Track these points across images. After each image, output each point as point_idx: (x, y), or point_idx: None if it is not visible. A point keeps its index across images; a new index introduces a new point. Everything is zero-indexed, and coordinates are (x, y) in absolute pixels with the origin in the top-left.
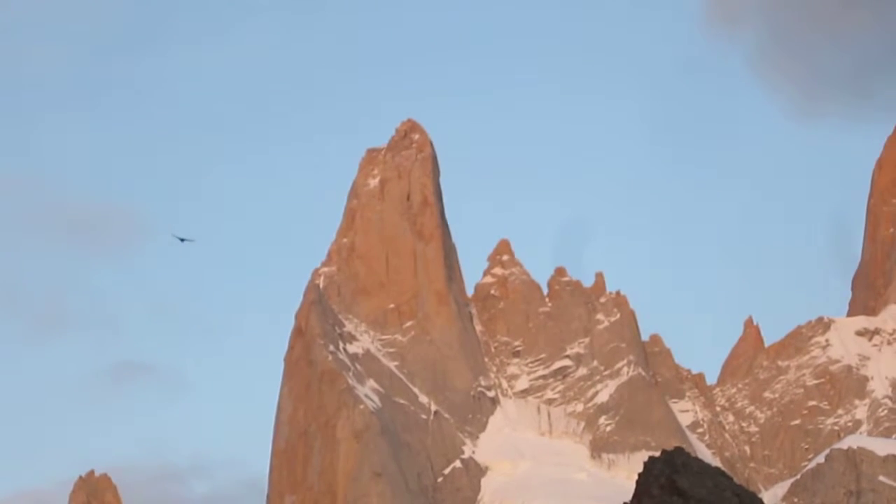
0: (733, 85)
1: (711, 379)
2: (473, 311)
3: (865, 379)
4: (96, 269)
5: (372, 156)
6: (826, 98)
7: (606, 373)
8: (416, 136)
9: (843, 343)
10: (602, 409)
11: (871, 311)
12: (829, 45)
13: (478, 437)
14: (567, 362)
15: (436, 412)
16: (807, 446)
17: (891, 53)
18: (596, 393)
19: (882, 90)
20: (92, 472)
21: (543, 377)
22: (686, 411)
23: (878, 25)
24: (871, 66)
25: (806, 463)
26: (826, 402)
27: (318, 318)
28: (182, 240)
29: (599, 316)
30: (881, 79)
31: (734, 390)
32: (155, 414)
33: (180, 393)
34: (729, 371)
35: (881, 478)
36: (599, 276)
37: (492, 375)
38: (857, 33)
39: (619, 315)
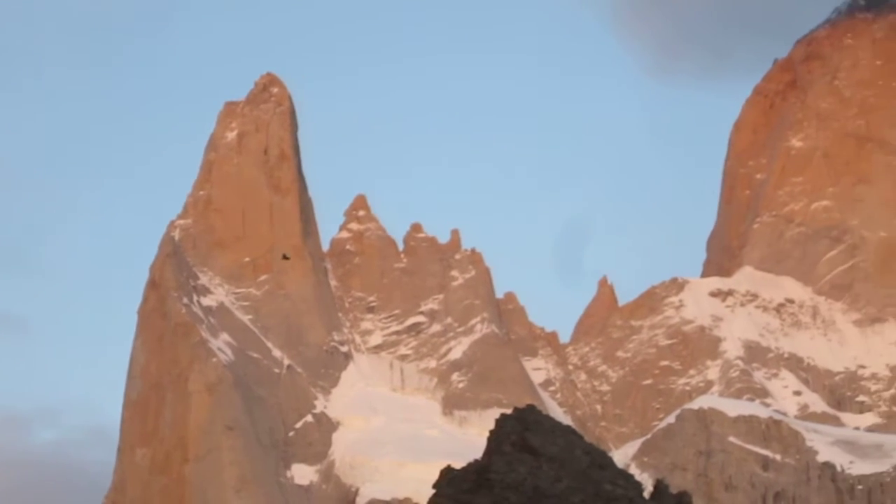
0: (591, 40)
1: (565, 337)
2: (329, 265)
3: (718, 340)
4: None
5: (230, 109)
6: (684, 56)
7: (460, 329)
8: (275, 90)
9: (697, 304)
10: (455, 365)
11: (725, 273)
12: (686, 5)
13: (330, 392)
14: (421, 318)
15: (289, 366)
16: (658, 406)
17: (749, 14)
18: (449, 349)
19: (740, 51)
20: None
21: (397, 333)
22: (539, 369)
23: None
24: (730, 25)
25: (657, 423)
26: (678, 363)
27: (172, 271)
28: (285, 257)
29: (454, 272)
30: (740, 39)
31: (587, 349)
32: (2, 360)
33: (29, 340)
34: (582, 330)
35: (731, 438)
36: (455, 232)
37: (345, 330)
38: None
39: (473, 272)
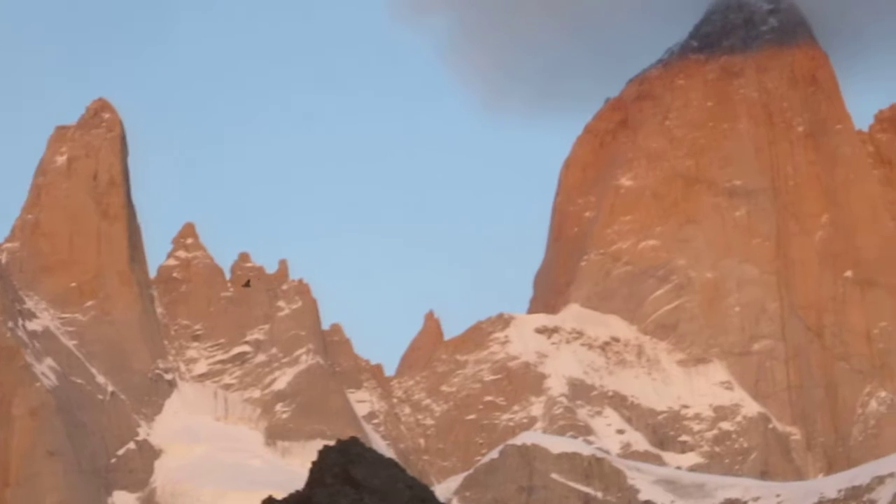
0: (421, 76)
1: (390, 370)
2: (155, 293)
3: (543, 376)
4: None
5: (61, 133)
6: (515, 91)
7: (285, 360)
8: (107, 116)
9: (523, 340)
10: (279, 396)
11: (552, 310)
12: (518, 40)
13: (153, 420)
14: (246, 348)
15: (112, 393)
16: (482, 441)
17: (582, 52)
18: (274, 380)
19: (572, 88)
20: None
21: (222, 362)
22: (363, 401)
23: (569, 23)
24: (562, 62)
25: (480, 458)
26: (503, 398)
27: None
28: (247, 284)
29: (281, 303)
30: (571, 76)
31: (412, 382)
32: None
33: None
34: (408, 363)
35: (553, 475)
36: (283, 262)
37: (171, 358)
38: (547, 29)
39: (300, 303)
